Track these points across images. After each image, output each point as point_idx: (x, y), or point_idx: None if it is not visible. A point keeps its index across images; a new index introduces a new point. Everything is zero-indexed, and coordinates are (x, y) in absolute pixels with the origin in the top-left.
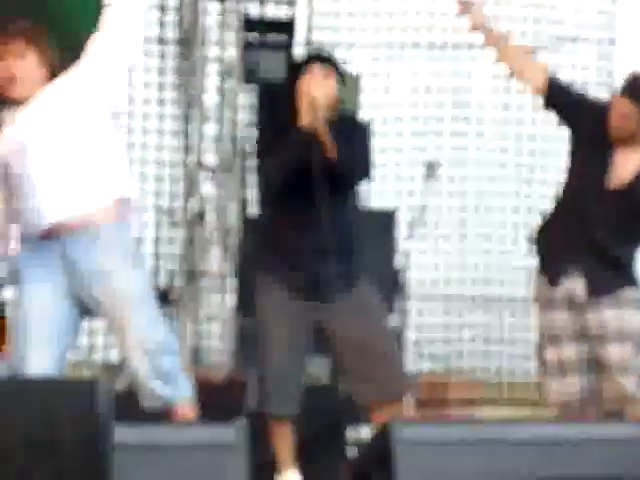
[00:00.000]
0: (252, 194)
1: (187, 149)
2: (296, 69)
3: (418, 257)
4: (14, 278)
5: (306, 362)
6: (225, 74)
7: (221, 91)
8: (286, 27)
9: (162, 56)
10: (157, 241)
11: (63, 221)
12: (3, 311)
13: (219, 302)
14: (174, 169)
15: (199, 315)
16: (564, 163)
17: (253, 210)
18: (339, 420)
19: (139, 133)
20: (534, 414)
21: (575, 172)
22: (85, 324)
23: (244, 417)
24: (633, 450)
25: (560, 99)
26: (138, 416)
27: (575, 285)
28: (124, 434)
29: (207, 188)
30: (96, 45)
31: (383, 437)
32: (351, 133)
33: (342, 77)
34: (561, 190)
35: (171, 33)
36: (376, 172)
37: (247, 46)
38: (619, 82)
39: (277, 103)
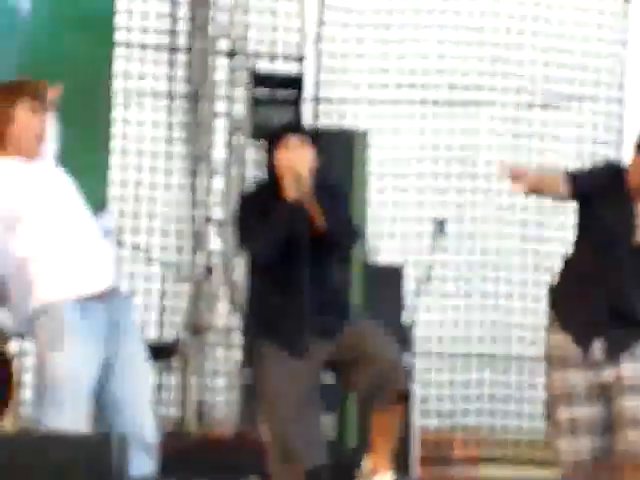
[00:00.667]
0: None
1: (195, 204)
2: (271, 141)
3: (425, 314)
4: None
5: (319, 415)
6: (233, 129)
7: (229, 146)
8: (295, 83)
9: (170, 111)
10: (163, 294)
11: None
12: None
13: (225, 356)
14: (181, 223)
15: (205, 369)
16: (571, 221)
17: None
18: (346, 476)
19: (146, 186)
20: (540, 474)
21: (592, 232)
22: None
23: (256, 474)
24: None
25: (589, 190)
26: None
27: (596, 348)
28: None
29: (214, 243)
30: None
31: None
32: (332, 197)
33: (315, 144)
34: (574, 249)
35: (180, 88)
36: (383, 228)
37: (256, 102)
38: (628, 140)
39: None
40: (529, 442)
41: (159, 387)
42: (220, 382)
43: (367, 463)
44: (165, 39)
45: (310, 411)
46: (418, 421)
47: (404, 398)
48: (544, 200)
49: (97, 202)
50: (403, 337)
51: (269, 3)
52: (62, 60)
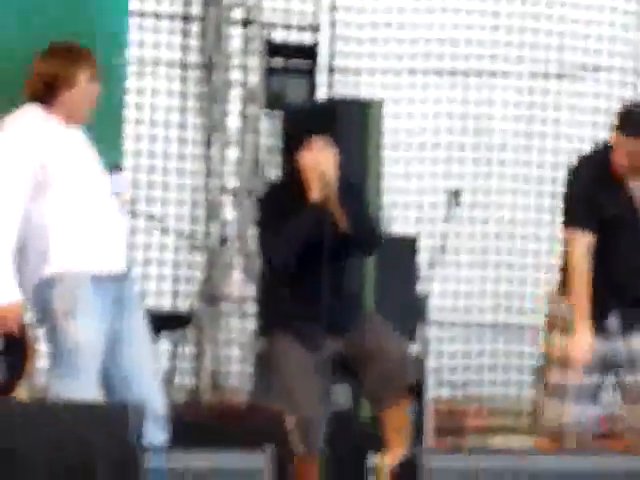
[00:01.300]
0: None
1: (209, 173)
2: (293, 141)
3: (439, 284)
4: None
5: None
6: (248, 99)
7: (243, 116)
8: (309, 53)
9: (184, 80)
10: (177, 264)
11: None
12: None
13: (239, 326)
14: (195, 193)
15: (219, 339)
16: None
17: None
18: (361, 445)
19: (160, 157)
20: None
21: (602, 220)
22: None
23: (271, 443)
24: None
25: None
26: None
27: (610, 320)
28: (153, 459)
29: (229, 212)
30: None
31: (410, 465)
32: (354, 197)
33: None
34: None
35: (194, 58)
36: (398, 199)
37: (270, 71)
38: None
39: (299, 130)
40: None
41: (173, 357)
42: (234, 352)
43: (384, 460)
44: (179, 8)
45: (322, 401)
46: (431, 391)
47: (413, 391)
48: (559, 171)
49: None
50: (417, 308)
51: None
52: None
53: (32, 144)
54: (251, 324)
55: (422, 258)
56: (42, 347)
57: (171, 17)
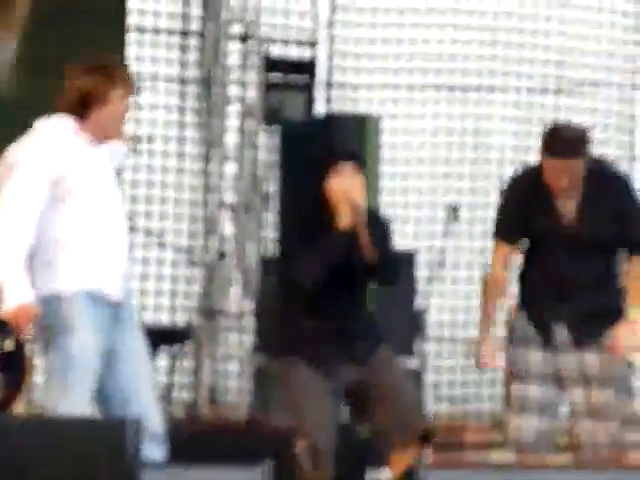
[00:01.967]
0: (272, 233)
1: (207, 188)
2: (322, 165)
3: (437, 299)
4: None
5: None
6: (246, 114)
7: (242, 131)
8: (307, 68)
9: (183, 96)
10: (175, 279)
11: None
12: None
13: (237, 341)
14: (194, 208)
15: (217, 354)
16: None
17: (272, 250)
18: (359, 461)
19: (159, 171)
20: (555, 460)
21: (532, 236)
22: None
23: (270, 458)
24: None
25: (515, 230)
26: None
27: (557, 332)
28: (151, 475)
29: (227, 227)
30: None
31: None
32: (378, 229)
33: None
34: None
35: (192, 73)
36: (397, 213)
37: (268, 86)
38: None
39: (298, 145)
40: None
41: (172, 371)
42: (233, 367)
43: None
44: (178, 23)
45: (333, 423)
46: (430, 407)
47: (426, 439)
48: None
49: None
50: (416, 323)
51: None
52: (76, 46)
53: (56, 154)
54: (249, 339)
55: (420, 273)
56: (39, 362)
57: (169, 32)
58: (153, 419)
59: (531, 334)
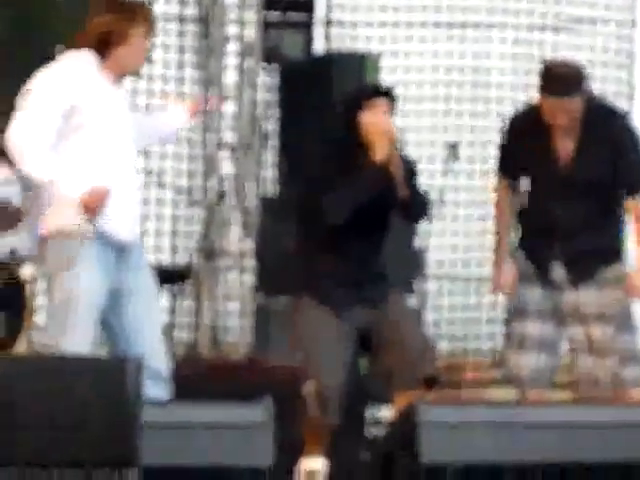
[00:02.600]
0: (271, 173)
1: (206, 128)
2: (354, 103)
3: (437, 238)
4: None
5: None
6: (245, 53)
7: (240, 70)
8: (306, 6)
9: (181, 34)
10: (175, 219)
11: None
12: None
13: (238, 281)
14: (193, 148)
15: (217, 294)
16: None
17: (272, 189)
18: (359, 400)
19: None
20: (555, 396)
21: (530, 173)
22: None
23: (270, 396)
24: None
25: (515, 167)
26: None
27: (554, 270)
28: (152, 413)
29: (226, 167)
30: None
31: (407, 418)
32: (406, 168)
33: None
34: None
35: (191, 11)
36: None
37: (267, 25)
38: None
39: (297, 83)
40: None
41: (172, 311)
42: (233, 306)
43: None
44: None
45: (345, 366)
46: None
47: (430, 383)
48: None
49: None
50: (415, 261)
51: None
52: None
53: (70, 85)
54: (250, 278)
55: None
56: (40, 302)
57: None
58: (158, 358)
59: (530, 272)
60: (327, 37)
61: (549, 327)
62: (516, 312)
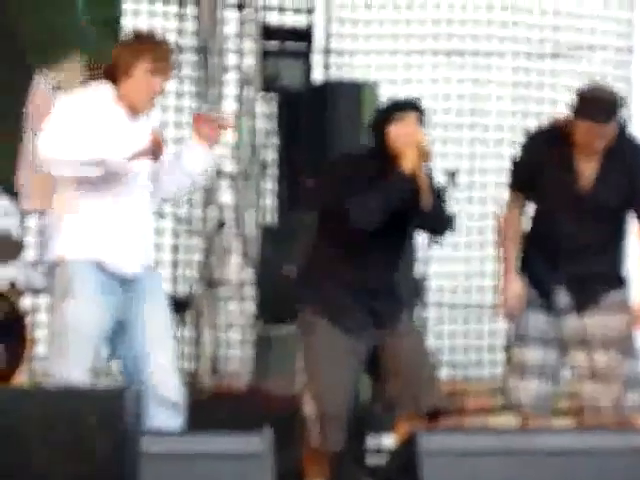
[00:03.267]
0: (271, 202)
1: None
2: (385, 114)
3: (438, 265)
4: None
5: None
6: (243, 82)
7: (239, 99)
8: (305, 35)
9: (180, 64)
10: (175, 249)
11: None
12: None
13: (238, 310)
14: None
15: (218, 323)
16: None
17: (271, 218)
18: (360, 427)
19: None
20: (556, 424)
21: (545, 192)
22: None
23: (269, 426)
24: None
25: (530, 184)
26: None
27: (558, 295)
28: (151, 443)
29: (225, 196)
30: None
31: (409, 446)
32: (433, 184)
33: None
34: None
35: (189, 41)
36: None
37: (266, 54)
38: (637, 90)
39: (296, 111)
40: None
41: None
42: (234, 336)
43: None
44: None
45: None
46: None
47: (437, 415)
48: None
49: None
50: (416, 289)
51: None
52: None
53: (82, 115)
54: (249, 307)
55: (420, 239)
56: (41, 333)
57: (165, 2)
58: (170, 387)
59: (532, 297)
60: (326, 66)
61: (550, 353)
62: (517, 338)
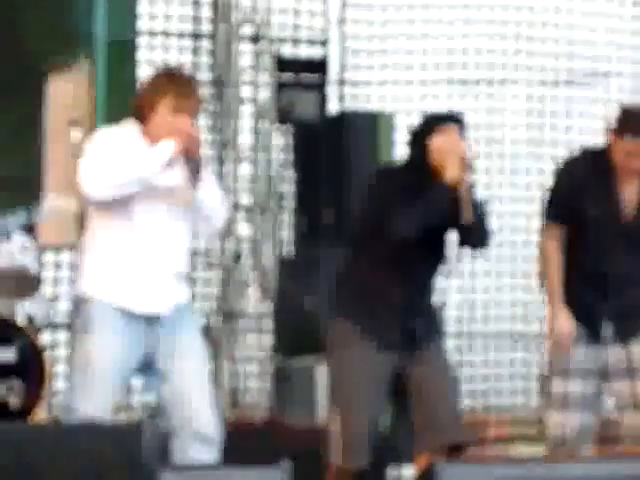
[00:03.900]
0: (288, 234)
1: (222, 190)
2: (427, 126)
3: (456, 294)
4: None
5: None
6: (259, 115)
7: (255, 132)
8: (319, 67)
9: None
10: (193, 281)
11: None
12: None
13: (256, 342)
14: None
15: (236, 356)
16: None
17: (288, 250)
18: (381, 458)
19: None
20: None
21: (587, 221)
22: None
23: (289, 459)
24: None
25: (569, 213)
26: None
27: (603, 326)
28: (170, 477)
29: (243, 229)
30: None
31: (428, 478)
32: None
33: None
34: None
35: (205, 75)
36: None
37: (281, 86)
38: None
39: (312, 143)
40: None
41: None
42: (252, 368)
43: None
44: (188, 26)
45: (376, 408)
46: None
47: (459, 451)
48: None
49: None
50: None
51: None
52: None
53: (115, 148)
54: (268, 340)
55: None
56: (59, 369)
57: (180, 35)
58: (205, 422)
59: (576, 329)
60: (341, 97)
61: (590, 384)
62: (558, 370)
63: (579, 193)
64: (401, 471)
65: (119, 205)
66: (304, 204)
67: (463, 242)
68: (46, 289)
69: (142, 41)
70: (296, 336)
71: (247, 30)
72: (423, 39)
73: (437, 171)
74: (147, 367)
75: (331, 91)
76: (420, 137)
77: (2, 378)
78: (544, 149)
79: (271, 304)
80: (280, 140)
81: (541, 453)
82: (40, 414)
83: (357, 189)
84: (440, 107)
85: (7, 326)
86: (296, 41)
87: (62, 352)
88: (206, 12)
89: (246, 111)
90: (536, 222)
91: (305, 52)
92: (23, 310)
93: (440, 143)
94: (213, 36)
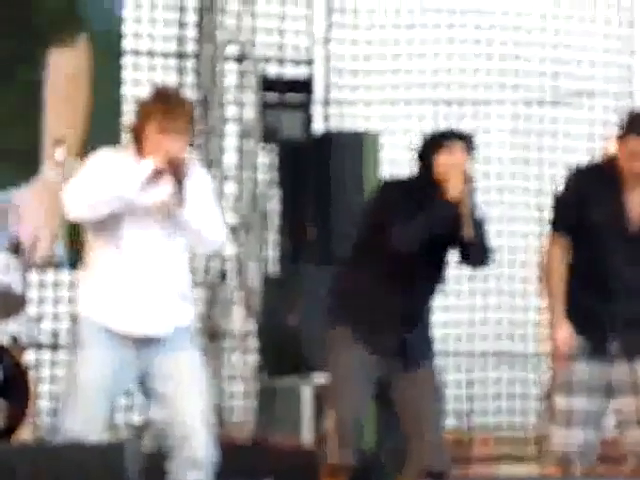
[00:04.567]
0: (273, 253)
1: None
2: (432, 142)
3: (441, 314)
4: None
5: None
6: (244, 134)
7: (240, 151)
8: (304, 86)
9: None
10: None
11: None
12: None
13: (241, 361)
14: None
15: (221, 374)
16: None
17: (273, 269)
18: (365, 477)
19: None
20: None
21: (592, 231)
22: None
23: (274, 478)
24: None
25: (575, 223)
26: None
27: (607, 342)
28: None
29: (228, 248)
30: None
31: None
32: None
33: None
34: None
35: (189, 95)
36: None
37: (266, 106)
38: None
39: (297, 162)
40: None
41: None
42: (237, 387)
43: None
44: (173, 46)
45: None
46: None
47: (442, 476)
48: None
49: None
50: None
51: (276, 7)
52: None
53: (104, 169)
54: (253, 359)
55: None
56: (44, 389)
57: (165, 55)
58: (196, 444)
59: (579, 343)
60: (326, 117)
61: (594, 401)
62: (562, 387)
63: (585, 200)
64: None
65: (108, 227)
66: (289, 223)
67: (464, 259)
68: (30, 309)
69: (127, 61)
70: (281, 355)
71: (232, 50)
72: (408, 59)
73: (441, 187)
74: (144, 387)
75: (316, 111)
76: (426, 153)
77: None
78: (530, 168)
79: (256, 323)
80: (265, 159)
81: (527, 473)
82: (24, 434)
83: (342, 209)
84: (425, 127)
85: None
86: (281, 61)
87: (46, 372)
88: (191, 32)
89: (231, 130)
90: (521, 240)
91: (290, 72)
92: (7, 330)
93: (444, 160)
94: (198, 56)
